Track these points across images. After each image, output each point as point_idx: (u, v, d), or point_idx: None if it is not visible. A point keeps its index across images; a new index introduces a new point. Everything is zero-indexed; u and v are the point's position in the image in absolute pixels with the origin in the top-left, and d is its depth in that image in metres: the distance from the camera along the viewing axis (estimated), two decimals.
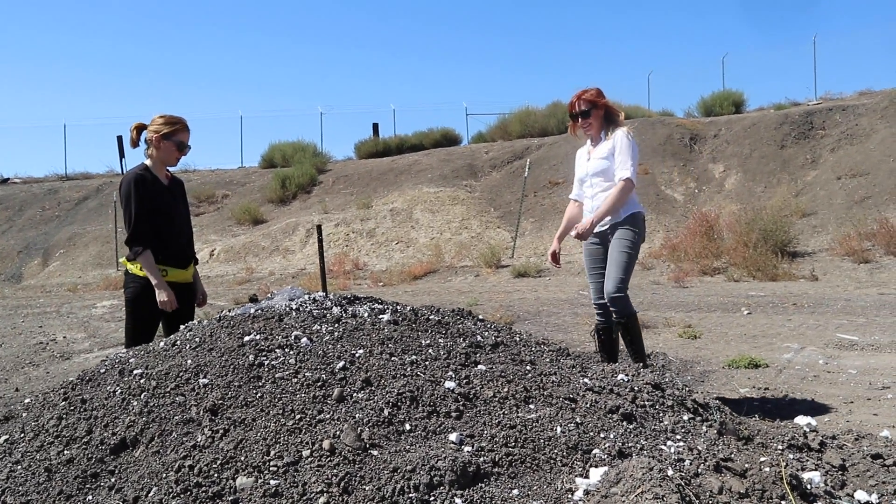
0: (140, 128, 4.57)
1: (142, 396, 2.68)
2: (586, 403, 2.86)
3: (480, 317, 3.93)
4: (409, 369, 2.75)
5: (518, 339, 3.43)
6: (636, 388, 3.25)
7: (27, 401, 3.38)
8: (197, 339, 3.05)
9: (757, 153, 19.93)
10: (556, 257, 5.27)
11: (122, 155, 31.61)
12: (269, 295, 3.73)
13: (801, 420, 4.61)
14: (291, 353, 2.82)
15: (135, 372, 2.89)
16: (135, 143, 4.63)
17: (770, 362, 6.45)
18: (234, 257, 19.87)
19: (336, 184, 24.71)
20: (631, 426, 2.83)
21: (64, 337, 10.47)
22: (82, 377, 3.07)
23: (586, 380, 3.15)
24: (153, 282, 4.28)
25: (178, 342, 3.12)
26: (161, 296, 4.25)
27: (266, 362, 2.75)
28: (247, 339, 2.94)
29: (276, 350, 2.83)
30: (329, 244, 19.59)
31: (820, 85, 39.50)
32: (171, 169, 4.70)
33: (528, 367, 3.00)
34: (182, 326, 3.66)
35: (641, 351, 4.92)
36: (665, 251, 15.30)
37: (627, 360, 5.28)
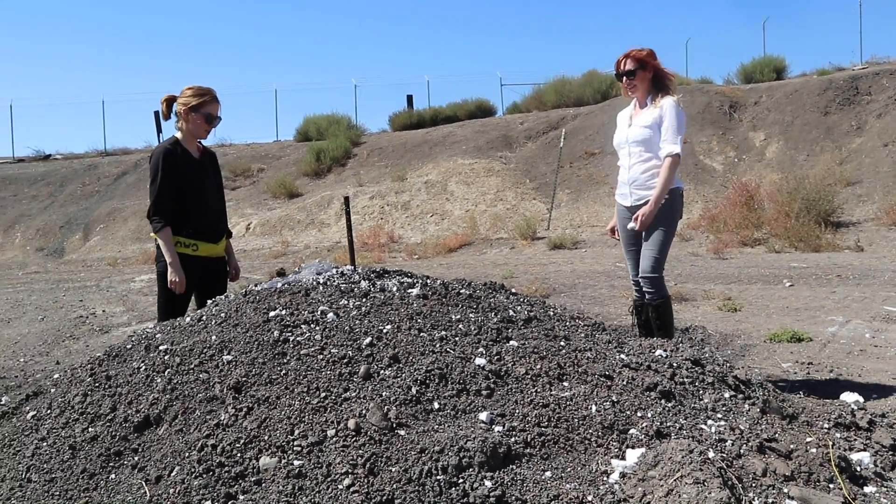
0: (170, 100, 4.50)
1: (166, 373, 2.63)
2: (623, 381, 2.74)
3: (513, 290, 3.81)
4: (438, 345, 2.65)
5: (552, 313, 3.31)
6: (675, 365, 3.12)
7: (56, 376, 3.37)
8: (223, 315, 2.99)
9: (799, 120, 19.36)
10: (614, 232, 5.06)
11: (159, 130, 31.90)
12: (297, 269, 3.65)
13: (848, 397, 4.43)
14: (317, 328, 2.74)
15: (160, 348, 2.85)
16: (166, 116, 4.56)
17: (814, 336, 6.25)
18: (270, 231, 19.96)
19: (370, 156, 24.63)
20: (669, 404, 2.72)
21: (103, 311, 10.60)
22: (109, 353, 3.04)
23: (623, 356, 3.03)
24: (167, 260, 4.20)
25: (204, 317, 3.06)
26: (172, 275, 4.16)
27: (291, 338, 2.68)
28: (272, 314, 2.87)
29: (302, 326, 2.75)
30: (364, 217, 19.57)
31: (866, 48, 38.20)
32: (204, 142, 4.63)
33: (561, 343, 2.89)
34: (210, 301, 3.62)
35: (670, 336, 4.71)
36: (704, 222, 14.97)
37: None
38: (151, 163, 4.43)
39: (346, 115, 29.54)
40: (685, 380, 3.02)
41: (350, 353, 2.59)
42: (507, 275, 11.31)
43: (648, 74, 4.60)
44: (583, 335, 3.09)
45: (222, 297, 3.49)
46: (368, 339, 2.66)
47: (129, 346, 3.00)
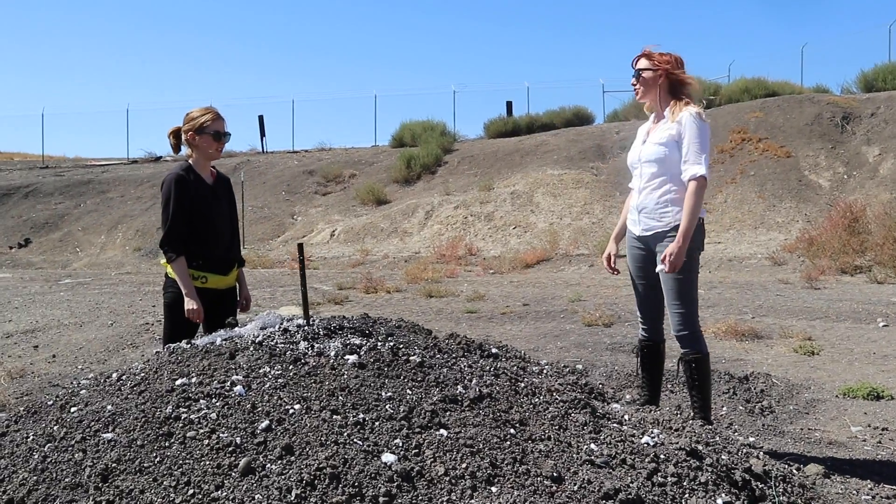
0: (176, 132, 4.37)
1: (46, 448, 2.37)
2: (575, 484, 2.27)
3: (494, 350, 3.36)
4: (347, 434, 2.27)
5: (522, 385, 2.85)
6: (661, 458, 2.61)
7: None
8: (140, 376, 2.72)
9: None
10: (610, 261, 4.39)
11: (262, 133, 32.88)
12: (249, 319, 3.35)
13: None
14: (217, 405, 2.41)
15: (72, 410, 2.61)
16: (176, 149, 4.43)
17: None
18: (353, 238, 20.00)
19: (461, 164, 24.38)
20: None
21: None
22: (29, 408, 2.83)
23: (594, 445, 2.55)
24: (183, 290, 4.08)
25: (125, 376, 2.81)
26: (189, 304, 4.03)
27: (184, 416, 2.35)
28: (178, 382, 2.56)
29: (201, 400, 2.43)
30: (446, 227, 19.31)
31: None
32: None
33: (510, 431, 2.44)
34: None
35: (707, 400, 4.04)
36: (801, 244, 13.85)
37: (670, 397, 4.42)
38: (163, 190, 4.28)
39: (442, 122, 29.42)
40: (668, 480, 2.51)
41: (240, 439, 2.24)
42: (575, 297, 10.75)
43: (659, 79, 3.98)
44: (550, 416, 2.62)
45: (181, 344, 3.23)
46: (267, 423, 2.30)
47: (49, 403, 2.79)
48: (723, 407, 5.20)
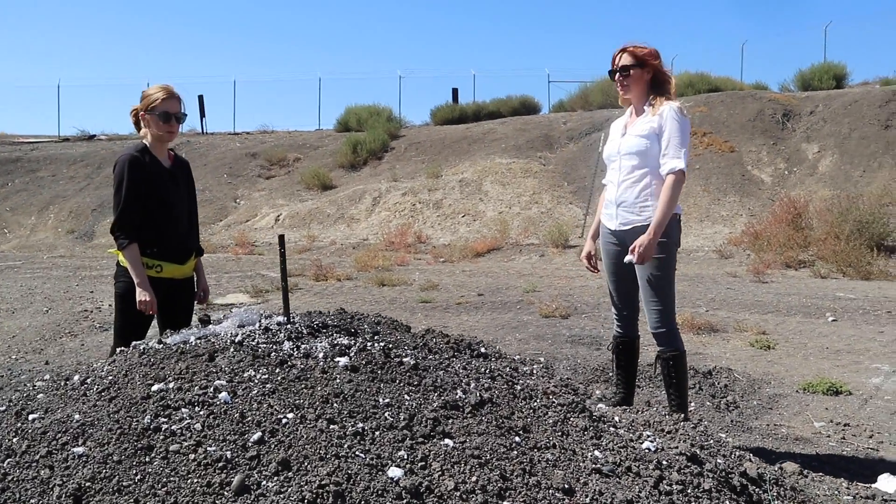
0: (135, 110, 4.09)
1: (5, 464, 2.12)
2: (587, 495, 2.15)
3: (483, 350, 3.22)
4: (347, 445, 2.09)
5: (518, 388, 2.72)
6: (665, 464, 2.52)
7: None
8: (108, 380, 2.48)
9: (857, 133, 18.25)
10: (591, 260, 4.32)
11: (202, 114, 31.95)
12: (223, 316, 3.12)
13: (885, 484, 3.79)
14: (201, 413, 2.19)
15: (31, 417, 2.35)
16: (138, 127, 4.15)
17: (854, 388, 5.54)
18: (299, 223, 19.60)
19: (408, 151, 24.12)
20: None
21: (109, 305, 10.28)
22: None
23: (598, 452, 2.44)
24: (135, 280, 3.82)
25: (90, 380, 2.56)
26: (140, 295, 3.78)
27: (165, 426, 2.13)
28: (155, 388, 2.33)
29: (183, 409, 2.21)
30: (394, 214, 19.08)
31: None
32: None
33: (516, 439, 2.30)
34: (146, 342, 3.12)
35: (684, 398, 4.03)
36: (746, 238, 14.10)
37: (648, 393, 4.38)
38: (115, 171, 3.98)
39: (388, 107, 29.09)
40: (674, 487, 2.41)
41: (230, 452, 2.04)
42: (530, 288, 10.70)
43: (646, 75, 3.94)
44: (551, 422, 2.50)
45: (150, 343, 2.98)
46: (259, 434, 2.10)
47: (2, 409, 2.52)
48: (691, 402, 5.18)
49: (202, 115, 31.47)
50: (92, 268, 14.76)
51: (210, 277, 12.54)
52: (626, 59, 3.94)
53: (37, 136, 33.25)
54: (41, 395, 2.56)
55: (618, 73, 3.98)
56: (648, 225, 3.83)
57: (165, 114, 3.94)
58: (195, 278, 4.34)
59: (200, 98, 31.66)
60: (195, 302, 4.33)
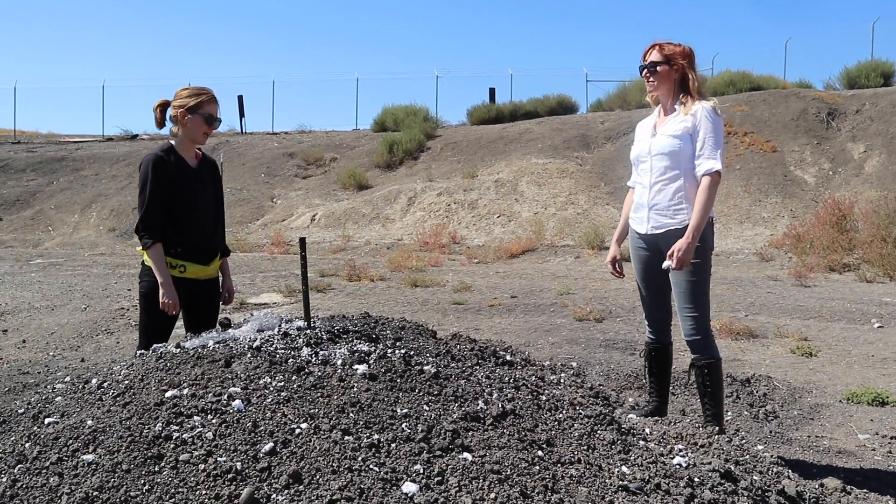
0: (164, 105, 4.08)
1: (16, 469, 2.09)
2: None
3: (509, 356, 3.12)
4: (361, 458, 2.01)
5: (544, 398, 2.61)
6: (696, 481, 2.40)
7: None
8: (124, 384, 2.44)
9: None
10: (616, 265, 4.21)
11: (241, 114, 32.28)
12: (243, 320, 3.07)
13: None
14: (213, 421, 2.13)
15: (47, 421, 2.33)
16: (160, 124, 4.14)
17: None
18: (334, 223, 19.65)
19: (444, 150, 24.06)
20: None
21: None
22: None
23: (625, 468, 2.33)
24: (159, 280, 3.82)
25: (107, 384, 2.52)
26: (163, 297, 3.77)
27: (176, 435, 2.08)
28: (168, 394, 2.28)
29: (195, 416, 2.15)
30: (429, 214, 19.03)
31: None
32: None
33: (538, 454, 2.20)
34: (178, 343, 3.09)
35: (720, 408, 3.88)
36: (788, 241, 13.75)
37: (682, 399, 4.23)
38: (140, 171, 4.00)
39: (425, 107, 29.03)
40: None
41: (240, 464, 1.97)
42: (564, 290, 10.55)
43: (675, 74, 3.83)
44: (577, 434, 2.39)
45: (169, 347, 2.94)
46: (271, 445, 2.04)
47: (20, 411, 2.50)
48: (728, 411, 5.02)
49: (241, 114, 31.81)
50: (130, 265, 14.95)
51: (245, 276, 12.61)
52: (654, 56, 3.86)
53: (82, 136, 33.93)
54: (59, 397, 2.54)
55: (645, 69, 3.89)
56: (682, 228, 3.73)
57: (210, 116, 3.97)
58: (220, 279, 4.32)
59: (240, 98, 32.00)
60: (220, 303, 4.32)
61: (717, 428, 3.63)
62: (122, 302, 10.51)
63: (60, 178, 25.92)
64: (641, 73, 3.95)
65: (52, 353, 7.49)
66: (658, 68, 3.83)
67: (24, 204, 24.36)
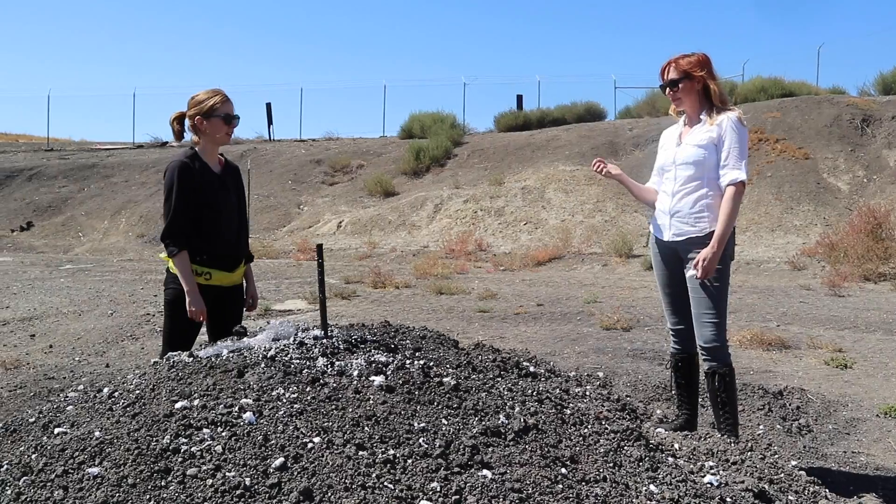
0: (180, 117, 4.05)
1: (21, 482, 2.04)
2: None
3: (532, 368, 3.02)
4: (376, 475, 1.92)
5: (569, 412, 2.51)
6: (728, 501, 2.28)
7: None
8: (135, 394, 2.38)
9: None
10: (603, 169, 4.19)
11: (269, 121, 32.52)
12: (259, 328, 3.00)
13: None
14: (223, 434, 2.06)
15: (56, 431, 2.27)
16: (179, 136, 4.12)
17: None
18: (361, 230, 19.65)
19: (471, 157, 23.99)
20: None
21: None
22: (7, 427, 2.49)
23: (653, 487, 2.22)
24: (185, 288, 3.79)
25: (118, 393, 2.46)
26: (190, 305, 3.75)
27: (184, 448, 2.01)
28: (178, 405, 2.21)
29: (205, 429, 2.08)
30: (455, 221, 18.96)
31: None
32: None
33: (562, 471, 2.10)
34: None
35: (736, 416, 3.87)
36: (821, 249, 13.46)
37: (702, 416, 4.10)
38: (166, 178, 3.97)
39: (452, 114, 28.97)
40: None
41: (249, 479, 1.90)
42: (591, 298, 10.41)
43: (696, 86, 3.85)
44: (602, 451, 2.29)
45: (182, 356, 2.88)
46: (281, 459, 1.96)
47: (31, 420, 2.45)
48: (759, 425, 4.88)
49: (269, 121, 32.06)
50: (157, 271, 15.04)
51: (270, 283, 12.62)
52: (672, 74, 3.88)
53: (112, 143, 34.37)
54: (70, 406, 2.49)
55: (668, 88, 3.91)
56: (703, 236, 3.78)
57: (228, 115, 3.94)
58: (244, 285, 4.29)
59: (268, 105, 32.23)
60: (244, 309, 4.29)
61: (733, 436, 3.59)
62: (147, 308, 10.55)
63: (91, 185, 26.26)
64: (665, 92, 3.97)
65: (77, 359, 7.52)
66: (680, 84, 3.85)
67: (56, 210, 24.71)
